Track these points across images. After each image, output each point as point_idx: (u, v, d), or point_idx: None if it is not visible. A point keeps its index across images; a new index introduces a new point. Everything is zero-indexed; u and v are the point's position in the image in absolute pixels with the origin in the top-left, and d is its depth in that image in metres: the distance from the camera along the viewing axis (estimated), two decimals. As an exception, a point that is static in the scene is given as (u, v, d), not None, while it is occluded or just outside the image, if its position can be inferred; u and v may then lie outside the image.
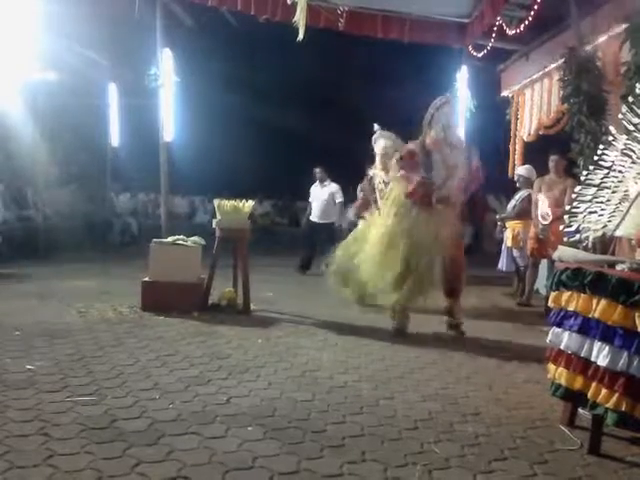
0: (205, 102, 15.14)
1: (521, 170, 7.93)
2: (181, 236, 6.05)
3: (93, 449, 2.49)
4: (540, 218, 6.66)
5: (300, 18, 6.35)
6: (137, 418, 2.86)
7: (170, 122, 8.94)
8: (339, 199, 9.56)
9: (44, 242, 10.02)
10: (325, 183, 9.70)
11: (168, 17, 8.95)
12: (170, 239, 6.03)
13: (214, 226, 5.98)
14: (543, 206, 6.63)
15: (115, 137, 12.75)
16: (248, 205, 6.05)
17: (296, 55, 12.43)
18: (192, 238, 6.01)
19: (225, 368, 3.83)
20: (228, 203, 5.99)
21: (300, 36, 6.38)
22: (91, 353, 4.00)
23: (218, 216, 5.98)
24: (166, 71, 8.72)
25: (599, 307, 2.61)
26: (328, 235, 9.18)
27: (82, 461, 2.38)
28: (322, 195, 9.65)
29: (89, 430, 2.68)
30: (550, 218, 6.47)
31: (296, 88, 16.75)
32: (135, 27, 9.07)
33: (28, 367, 3.60)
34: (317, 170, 9.76)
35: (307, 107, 16.66)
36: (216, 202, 6.04)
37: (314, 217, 9.68)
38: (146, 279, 5.74)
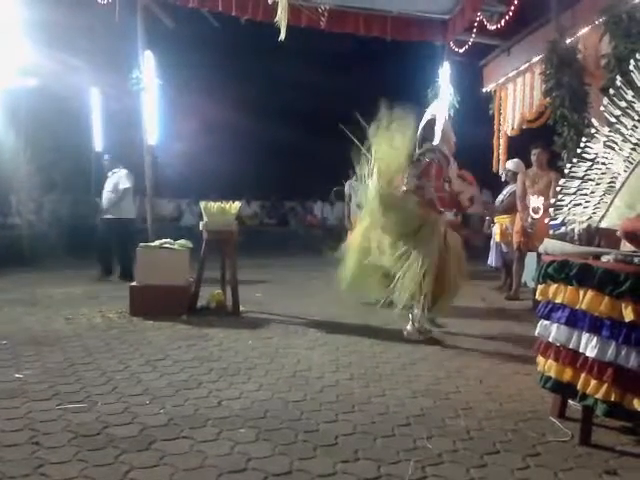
0: (189, 104, 15.07)
1: (509, 164, 7.95)
2: (168, 239, 6.03)
3: (84, 457, 2.47)
4: (531, 212, 6.66)
5: (281, 18, 6.37)
6: (128, 424, 2.84)
7: (154, 125, 8.90)
8: (123, 185, 8.07)
9: (29, 249, 9.93)
10: (115, 171, 8.28)
11: (149, 19, 8.90)
12: (157, 243, 6.01)
13: (201, 228, 5.96)
14: (535, 200, 6.63)
15: (98, 142, 12.67)
16: (235, 206, 6.02)
17: (280, 57, 12.43)
18: (179, 241, 5.99)
19: (216, 371, 3.81)
20: (215, 205, 5.96)
21: (282, 36, 6.39)
22: (80, 360, 3.96)
23: (205, 218, 5.95)
24: (148, 74, 8.68)
25: (586, 298, 2.63)
26: (122, 233, 8.07)
27: (73, 469, 2.36)
28: (107, 186, 8.22)
29: (80, 438, 2.66)
30: (541, 212, 6.47)
31: (281, 90, 16.71)
32: (116, 30, 9.02)
33: (17, 376, 3.56)
34: (105, 157, 8.51)
35: (293, 108, 16.62)
36: (202, 204, 6.02)
37: (104, 213, 8.23)
38: (134, 283, 5.71)
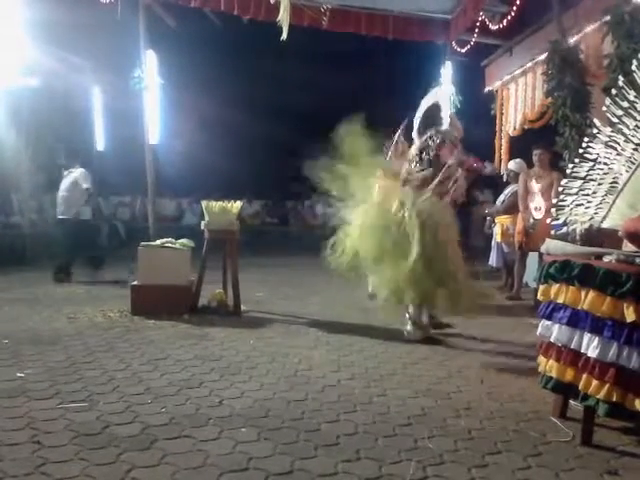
0: (191, 103, 15.09)
1: (511, 165, 7.94)
2: (169, 239, 6.03)
3: (86, 455, 2.47)
4: (533, 211, 6.64)
5: (284, 17, 6.36)
6: (130, 423, 2.84)
7: (155, 124, 8.91)
8: (84, 185, 7.85)
9: (31, 248, 9.94)
10: (71, 170, 8.04)
11: (151, 19, 8.91)
12: (158, 242, 6.01)
13: (202, 227, 5.96)
14: (537, 200, 6.61)
15: (100, 141, 12.68)
16: (236, 206, 6.02)
17: (282, 57, 12.43)
18: (180, 240, 5.99)
19: (217, 370, 3.81)
20: (216, 204, 5.96)
21: (284, 35, 6.38)
22: (82, 359, 3.97)
23: (206, 217, 5.95)
24: (150, 73, 8.69)
25: (588, 299, 2.63)
26: (78, 233, 7.85)
27: (75, 468, 2.36)
28: (63, 185, 8.00)
29: (81, 437, 2.66)
30: (543, 211, 6.45)
31: (282, 89, 16.71)
32: (118, 29, 9.02)
33: (18, 375, 3.57)
34: (64, 156, 8.33)
35: (295, 107, 16.61)
36: (204, 203, 6.02)
37: (58, 213, 8.05)
38: (135, 283, 5.72)
